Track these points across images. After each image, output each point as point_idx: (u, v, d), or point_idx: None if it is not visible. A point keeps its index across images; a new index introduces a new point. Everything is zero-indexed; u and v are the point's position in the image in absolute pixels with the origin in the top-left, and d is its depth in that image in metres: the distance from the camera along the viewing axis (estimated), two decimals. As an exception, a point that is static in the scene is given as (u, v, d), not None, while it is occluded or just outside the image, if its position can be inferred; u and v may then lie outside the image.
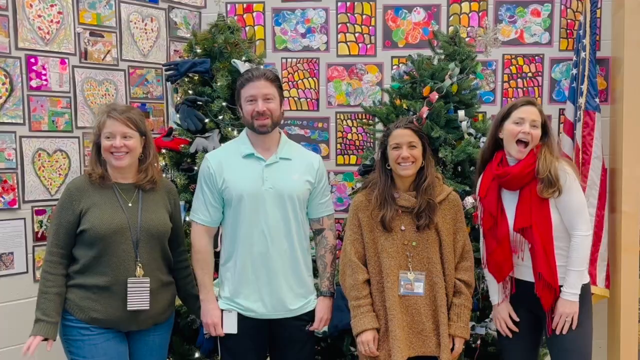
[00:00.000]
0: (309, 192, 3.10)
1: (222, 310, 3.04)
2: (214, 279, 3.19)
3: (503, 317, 3.08)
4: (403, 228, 2.97)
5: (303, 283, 3.08)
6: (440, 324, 2.92)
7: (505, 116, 3.03)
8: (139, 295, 2.88)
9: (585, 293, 2.97)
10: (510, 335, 3.08)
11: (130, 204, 2.94)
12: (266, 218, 2.96)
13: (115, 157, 2.89)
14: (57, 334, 2.85)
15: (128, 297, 2.86)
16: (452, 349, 2.95)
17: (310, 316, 3.11)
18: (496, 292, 3.11)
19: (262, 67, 3.92)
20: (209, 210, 3.05)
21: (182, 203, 3.56)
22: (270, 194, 2.97)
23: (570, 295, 2.89)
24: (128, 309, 2.86)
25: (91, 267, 2.86)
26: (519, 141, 2.95)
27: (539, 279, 2.92)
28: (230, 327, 3.02)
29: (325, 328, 3.56)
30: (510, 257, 3.00)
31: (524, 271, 3.01)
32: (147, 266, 2.92)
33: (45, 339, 2.82)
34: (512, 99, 4.59)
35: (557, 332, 2.92)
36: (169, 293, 3.07)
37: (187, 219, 3.52)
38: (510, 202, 3.00)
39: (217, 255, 3.20)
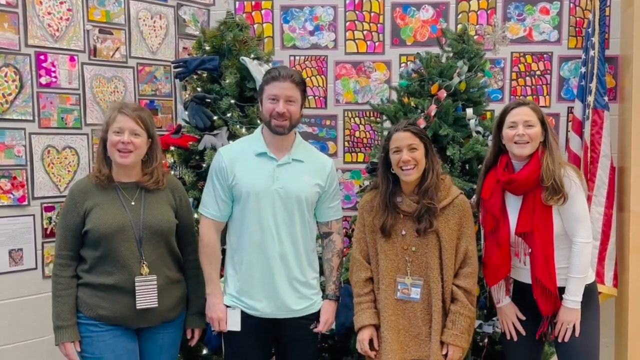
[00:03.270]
0: (318, 195, 3.08)
1: (227, 307, 3.05)
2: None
3: (511, 318, 3.08)
4: (404, 233, 2.95)
5: (307, 284, 3.06)
6: (432, 330, 2.89)
7: (500, 122, 3.03)
8: (147, 293, 2.89)
9: (590, 293, 2.98)
10: (515, 338, 3.08)
11: (133, 202, 2.95)
12: (273, 217, 2.96)
13: (120, 154, 2.89)
14: (78, 334, 2.89)
15: (137, 296, 2.87)
16: (447, 356, 2.90)
17: (315, 316, 3.11)
18: (498, 294, 3.12)
19: (272, 64, 3.93)
20: (219, 205, 3.05)
21: (190, 200, 3.57)
22: (279, 193, 2.96)
23: (571, 302, 2.89)
24: (137, 308, 2.88)
25: (98, 267, 2.89)
26: (517, 142, 2.95)
27: (536, 283, 2.92)
28: (234, 324, 3.02)
29: (333, 326, 3.57)
30: (509, 261, 2.99)
31: (524, 274, 3.01)
32: (153, 264, 2.92)
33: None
34: (520, 97, 4.59)
35: (560, 340, 2.93)
36: (178, 290, 3.07)
37: (195, 216, 3.53)
38: (513, 205, 3.00)
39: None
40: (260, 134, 3.08)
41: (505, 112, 3.01)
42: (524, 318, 3.06)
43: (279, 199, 2.96)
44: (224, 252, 3.19)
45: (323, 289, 3.22)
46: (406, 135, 2.91)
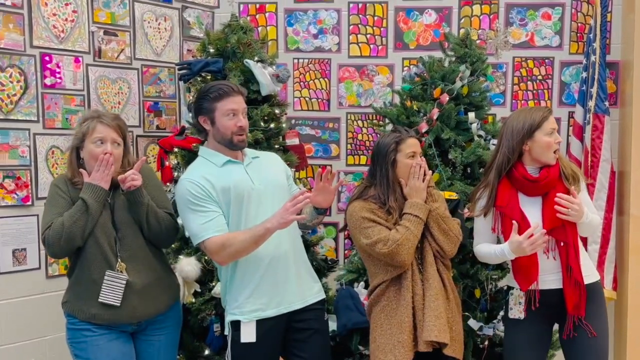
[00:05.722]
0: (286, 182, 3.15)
1: (239, 322, 2.94)
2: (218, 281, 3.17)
3: (518, 238, 2.91)
4: None
5: (308, 271, 3.10)
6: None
7: (535, 128, 3.01)
8: (112, 289, 2.86)
9: (598, 291, 3.04)
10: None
11: (109, 200, 2.93)
12: (265, 213, 2.91)
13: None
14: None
15: (102, 290, 2.84)
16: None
17: (323, 304, 3.11)
18: (501, 246, 3.01)
19: (275, 67, 3.95)
20: (218, 219, 2.89)
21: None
22: (262, 190, 2.96)
23: (585, 216, 2.95)
24: (99, 300, 2.84)
25: (80, 264, 2.89)
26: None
27: (568, 274, 2.93)
28: (249, 336, 2.92)
29: (334, 327, 3.59)
30: (537, 261, 2.98)
31: (545, 279, 3.00)
32: (131, 260, 2.92)
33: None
34: (522, 102, 4.62)
35: (557, 205, 2.91)
36: (159, 287, 3.03)
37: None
38: (530, 207, 3.02)
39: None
40: (212, 151, 3.02)
41: (543, 119, 3.02)
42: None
43: (263, 195, 2.96)
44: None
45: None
46: (418, 143, 3.06)
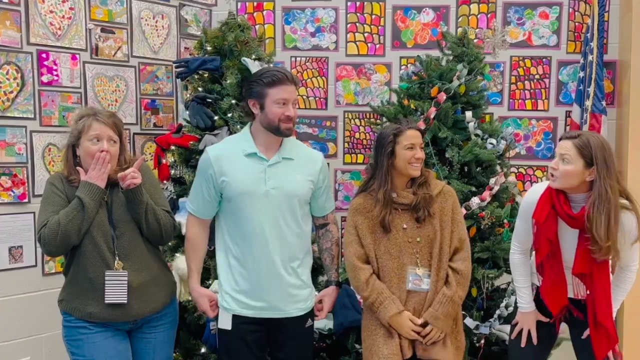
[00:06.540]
0: (311, 191, 3.05)
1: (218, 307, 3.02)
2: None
3: (530, 325, 3.02)
4: (405, 226, 2.97)
5: (301, 284, 3.02)
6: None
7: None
8: (116, 288, 2.84)
9: None
10: (528, 343, 3.02)
11: (105, 198, 2.91)
12: (267, 218, 2.91)
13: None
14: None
15: (105, 291, 2.82)
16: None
17: (310, 314, 3.07)
18: (527, 300, 3.05)
19: (273, 65, 3.93)
20: (202, 203, 3.02)
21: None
22: (272, 194, 2.91)
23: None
24: (105, 302, 2.83)
25: (76, 263, 2.87)
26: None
27: (597, 326, 2.84)
28: (225, 323, 2.97)
29: (331, 325, 3.59)
30: (566, 291, 2.91)
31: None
32: (128, 258, 2.89)
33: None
34: (519, 101, 4.63)
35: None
36: (156, 286, 3.01)
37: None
38: (567, 236, 2.86)
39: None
40: (249, 134, 3.01)
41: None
42: (546, 320, 3.01)
43: (271, 199, 2.92)
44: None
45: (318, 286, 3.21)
46: (418, 134, 3.02)
